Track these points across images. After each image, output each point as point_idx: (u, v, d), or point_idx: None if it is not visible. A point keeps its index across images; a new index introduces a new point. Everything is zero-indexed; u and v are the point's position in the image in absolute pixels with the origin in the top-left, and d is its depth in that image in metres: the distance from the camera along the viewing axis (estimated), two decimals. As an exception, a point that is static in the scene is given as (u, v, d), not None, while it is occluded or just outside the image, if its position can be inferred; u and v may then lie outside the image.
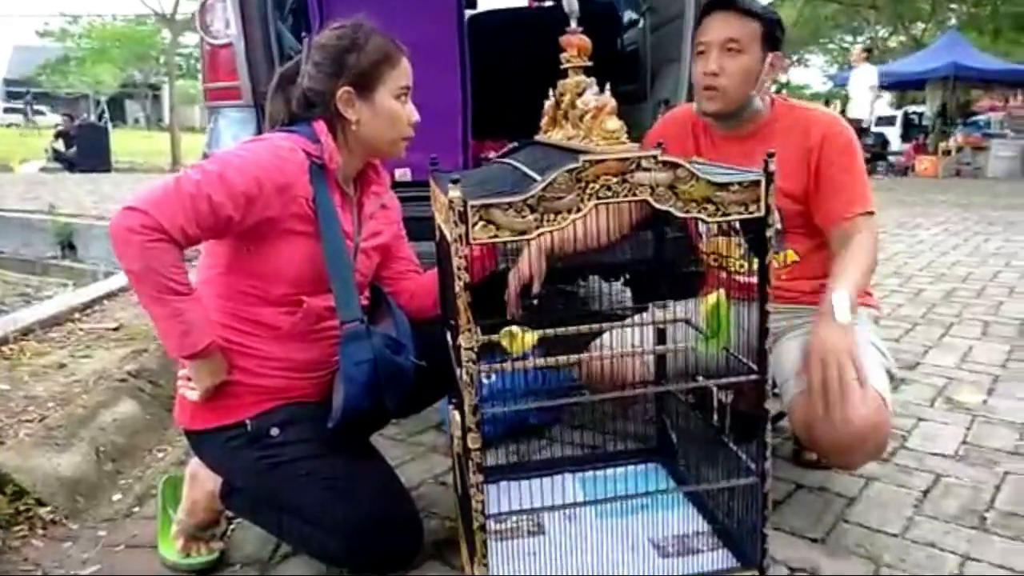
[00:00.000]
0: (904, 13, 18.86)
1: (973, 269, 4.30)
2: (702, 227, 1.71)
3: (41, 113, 30.36)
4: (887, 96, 23.18)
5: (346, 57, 1.33)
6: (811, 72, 31.76)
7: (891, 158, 14.85)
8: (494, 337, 1.21)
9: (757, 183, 0.99)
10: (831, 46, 25.88)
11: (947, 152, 13.39)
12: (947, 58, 13.19)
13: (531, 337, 1.22)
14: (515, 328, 1.21)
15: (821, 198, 1.58)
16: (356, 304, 1.32)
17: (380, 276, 1.53)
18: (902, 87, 17.16)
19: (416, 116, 1.41)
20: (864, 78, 10.27)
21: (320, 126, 1.35)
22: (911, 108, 18.65)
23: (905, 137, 16.58)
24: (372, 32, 1.36)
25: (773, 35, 1.57)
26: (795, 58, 26.73)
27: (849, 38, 24.35)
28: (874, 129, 15.14)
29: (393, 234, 1.54)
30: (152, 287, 1.19)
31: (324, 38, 1.38)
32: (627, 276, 2.54)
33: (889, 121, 18.66)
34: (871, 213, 1.56)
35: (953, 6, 18.60)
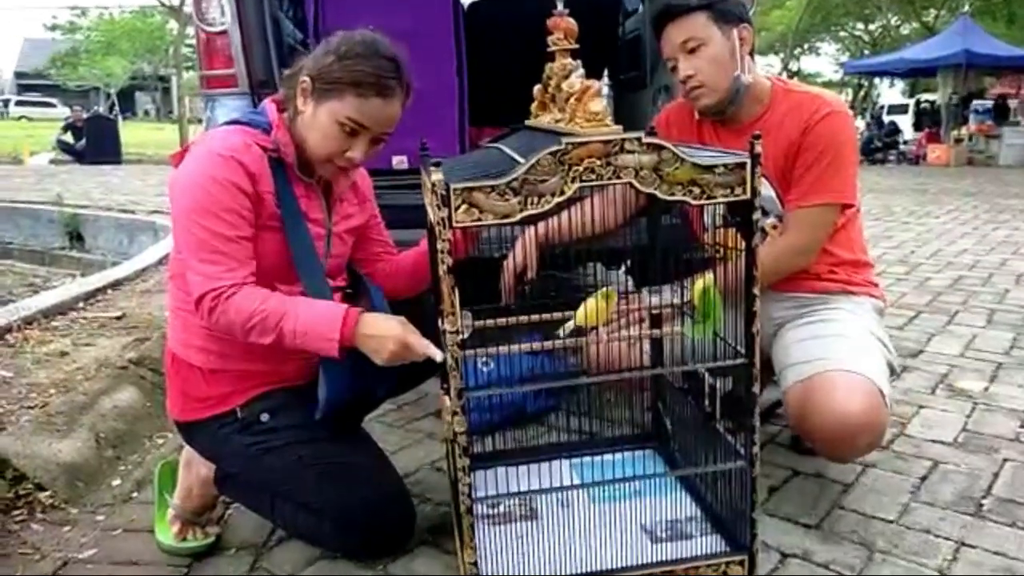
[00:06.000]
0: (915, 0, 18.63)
1: (980, 257, 4.27)
2: (707, 219, 1.70)
3: (52, 105, 30.55)
4: (900, 84, 23.00)
5: (328, 55, 1.28)
6: (822, 60, 31.50)
7: (903, 147, 14.72)
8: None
9: (743, 165, 0.98)
10: (842, 34, 25.65)
11: (959, 140, 13.26)
12: (960, 45, 13.01)
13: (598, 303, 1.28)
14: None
15: (791, 184, 1.58)
16: (328, 296, 1.32)
17: (356, 259, 1.53)
18: (914, 75, 16.99)
19: (358, 158, 1.31)
20: None
21: (273, 113, 1.33)
22: (923, 96, 18.47)
23: (917, 126, 16.44)
24: (365, 56, 1.27)
25: (724, 12, 1.53)
26: (806, 46, 26.54)
27: (861, 25, 24.14)
28: (886, 118, 14.98)
29: (367, 215, 1.53)
30: (263, 333, 1.22)
31: (346, 32, 1.32)
32: (628, 263, 2.53)
33: (901, 110, 18.49)
34: (826, 205, 1.54)
35: (966, -8, 18.38)
